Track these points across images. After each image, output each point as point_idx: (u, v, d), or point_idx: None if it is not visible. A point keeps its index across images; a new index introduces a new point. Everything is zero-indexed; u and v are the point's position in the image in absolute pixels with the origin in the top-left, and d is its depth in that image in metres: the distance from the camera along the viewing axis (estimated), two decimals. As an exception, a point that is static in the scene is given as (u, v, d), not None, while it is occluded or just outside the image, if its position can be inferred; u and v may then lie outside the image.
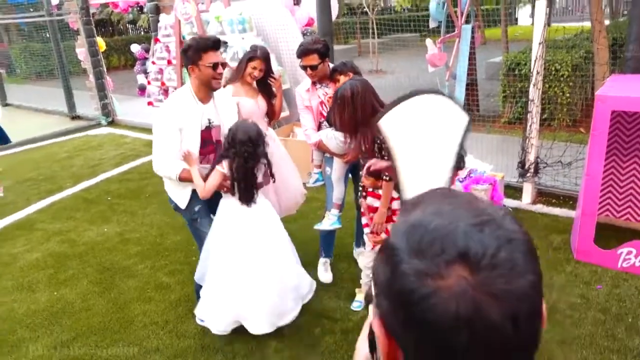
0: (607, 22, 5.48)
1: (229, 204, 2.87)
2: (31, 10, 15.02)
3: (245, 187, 2.77)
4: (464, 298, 0.51)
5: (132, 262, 4.06)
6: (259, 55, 3.39)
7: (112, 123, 9.18)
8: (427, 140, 1.02)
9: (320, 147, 3.41)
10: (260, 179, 2.85)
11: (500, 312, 0.51)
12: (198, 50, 2.67)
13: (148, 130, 8.41)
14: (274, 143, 3.58)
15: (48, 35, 10.52)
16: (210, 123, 2.86)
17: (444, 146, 1.01)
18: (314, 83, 3.44)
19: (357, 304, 3.33)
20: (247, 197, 2.79)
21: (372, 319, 0.65)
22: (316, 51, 3.30)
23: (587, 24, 4.82)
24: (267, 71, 3.45)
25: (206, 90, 2.81)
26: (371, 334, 0.69)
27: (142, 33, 19.35)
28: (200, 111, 2.80)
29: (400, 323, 0.56)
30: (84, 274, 3.91)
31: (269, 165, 2.88)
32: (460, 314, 0.51)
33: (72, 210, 5.22)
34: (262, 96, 3.47)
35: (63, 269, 4.02)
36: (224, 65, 2.85)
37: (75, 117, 9.82)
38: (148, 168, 6.48)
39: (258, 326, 2.85)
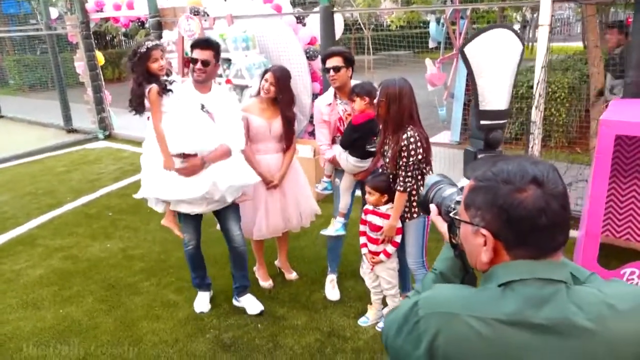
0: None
1: None
2: (25, 21, 15.02)
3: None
4: (540, 199, 0.94)
5: (137, 278, 4.05)
6: (271, 69, 3.49)
7: (109, 137, 9.16)
8: (497, 64, 1.60)
9: (333, 162, 3.49)
10: None
11: (558, 204, 0.95)
12: (191, 47, 3.17)
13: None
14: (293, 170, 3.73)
15: (44, 47, 10.53)
16: (203, 108, 3.14)
17: (508, 69, 1.61)
18: (335, 96, 3.46)
19: (364, 319, 3.36)
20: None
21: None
22: (341, 54, 3.34)
23: (576, 44, 4.96)
24: (282, 90, 3.45)
25: (195, 80, 3.16)
26: (449, 223, 1.20)
27: (137, 46, 19.33)
28: (195, 95, 3.15)
29: (504, 223, 0.96)
30: (89, 291, 3.89)
31: None
32: (540, 207, 0.93)
33: (73, 226, 5.20)
34: (281, 118, 3.47)
35: (67, 285, 4.00)
36: (205, 63, 3.09)
37: (72, 131, 9.75)
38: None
39: None
